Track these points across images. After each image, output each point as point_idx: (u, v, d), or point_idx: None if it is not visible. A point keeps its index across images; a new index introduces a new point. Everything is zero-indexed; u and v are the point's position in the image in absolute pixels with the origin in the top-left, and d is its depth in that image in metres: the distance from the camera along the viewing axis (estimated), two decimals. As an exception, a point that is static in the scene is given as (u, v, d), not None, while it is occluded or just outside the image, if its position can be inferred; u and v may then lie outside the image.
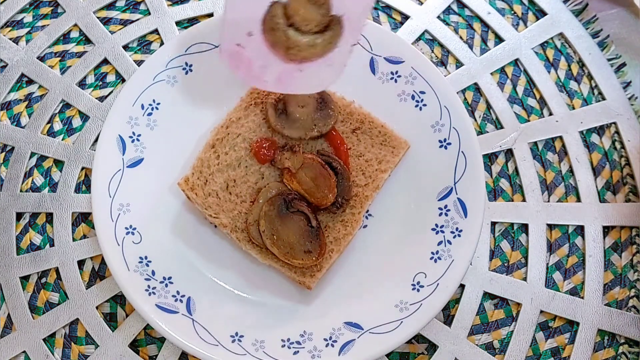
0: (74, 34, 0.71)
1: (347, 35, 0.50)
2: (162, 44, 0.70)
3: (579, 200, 0.64)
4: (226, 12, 0.50)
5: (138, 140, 0.61)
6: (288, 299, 0.58)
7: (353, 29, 0.50)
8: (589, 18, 0.71)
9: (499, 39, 0.71)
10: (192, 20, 0.71)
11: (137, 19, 0.71)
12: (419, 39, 0.71)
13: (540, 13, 0.72)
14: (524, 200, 0.64)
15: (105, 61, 0.69)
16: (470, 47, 0.70)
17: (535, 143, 0.66)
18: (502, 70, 0.69)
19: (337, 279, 0.59)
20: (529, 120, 0.67)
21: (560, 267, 0.62)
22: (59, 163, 0.65)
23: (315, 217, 0.57)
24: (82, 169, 0.65)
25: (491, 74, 0.69)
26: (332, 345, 0.54)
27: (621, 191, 0.65)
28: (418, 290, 0.56)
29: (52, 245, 0.62)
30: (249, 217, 0.57)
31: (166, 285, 0.56)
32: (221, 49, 0.52)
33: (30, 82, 0.69)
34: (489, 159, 0.66)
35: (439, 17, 0.72)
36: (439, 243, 0.58)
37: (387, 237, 0.60)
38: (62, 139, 0.66)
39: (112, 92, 0.68)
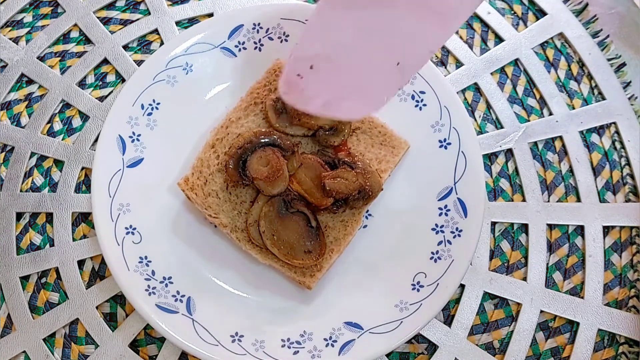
0: (74, 34, 0.71)
1: (397, 78, 0.50)
2: (162, 44, 0.70)
3: (579, 200, 0.64)
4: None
5: (138, 140, 0.61)
6: (288, 299, 0.58)
7: (403, 75, 0.50)
8: (589, 18, 0.71)
9: (499, 39, 0.71)
10: (192, 20, 0.71)
11: (137, 19, 0.71)
12: (419, 39, 0.71)
13: (540, 13, 0.72)
14: (524, 200, 0.64)
15: (105, 61, 0.69)
16: (470, 47, 0.70)
17: (535, 143, 0.66)
18: (502, 70, 0.69)
19: (337, 279, 0.58)
20: (529, 120, 0.67)
21: (560, 267, 0.62)
22: (59, 163, 0.65)
23: (315, 217, 0.57)
24: (82, 169, 0.65)
25: (491, 74, 0.69)
26: (332, 345, 0.54)
27: (621, 191, 0.64)
28: (418, 290, 0.56)
29: (52, 245, 0.62)
30: (249, 218, 0.57)
31: (166, 285, 0.56)
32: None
33: (30, 82, 0.69)
34: (489, 159, 0.66)
35: (439, 17, 0.72)
36: (439, 243, 0.58)
37: (387, 237, 0.60)
38: (62, 139, 0.66)
39: (112, 92, 0.68)
